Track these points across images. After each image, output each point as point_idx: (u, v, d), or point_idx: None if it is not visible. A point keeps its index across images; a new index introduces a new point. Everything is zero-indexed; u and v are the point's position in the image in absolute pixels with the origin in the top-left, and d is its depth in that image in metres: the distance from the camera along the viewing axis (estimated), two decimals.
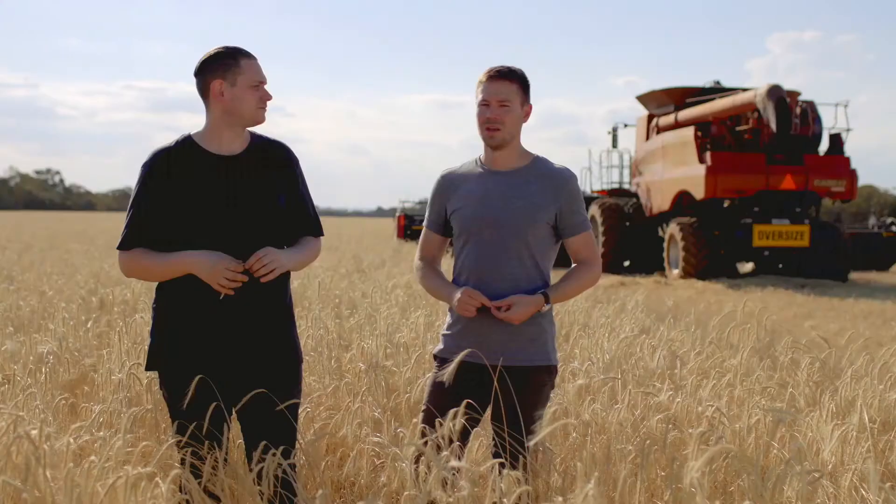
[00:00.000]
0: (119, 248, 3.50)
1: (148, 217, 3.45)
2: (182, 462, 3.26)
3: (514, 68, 3.66)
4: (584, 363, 5.47)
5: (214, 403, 3.35)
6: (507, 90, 3.62)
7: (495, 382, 3.55)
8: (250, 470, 3.20)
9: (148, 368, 3.57)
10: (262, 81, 3.49)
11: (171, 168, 3.46)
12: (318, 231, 3.72)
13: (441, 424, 3.36)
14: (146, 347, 3.67)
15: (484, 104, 3.63)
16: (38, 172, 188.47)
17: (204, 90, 3.47)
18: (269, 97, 3.51)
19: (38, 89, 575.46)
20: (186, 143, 3.51)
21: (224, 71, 3.43)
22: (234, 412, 3.49)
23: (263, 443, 3.17)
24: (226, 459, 3.31)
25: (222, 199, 3.44)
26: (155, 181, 3.45)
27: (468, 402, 3.45)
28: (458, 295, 3.60)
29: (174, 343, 3.48)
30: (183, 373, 3.38)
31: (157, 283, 3.56)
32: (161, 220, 3.44)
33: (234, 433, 3.77)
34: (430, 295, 3.97)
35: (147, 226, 3.45)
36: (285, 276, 3.60)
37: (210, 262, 3.36)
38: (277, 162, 3.59)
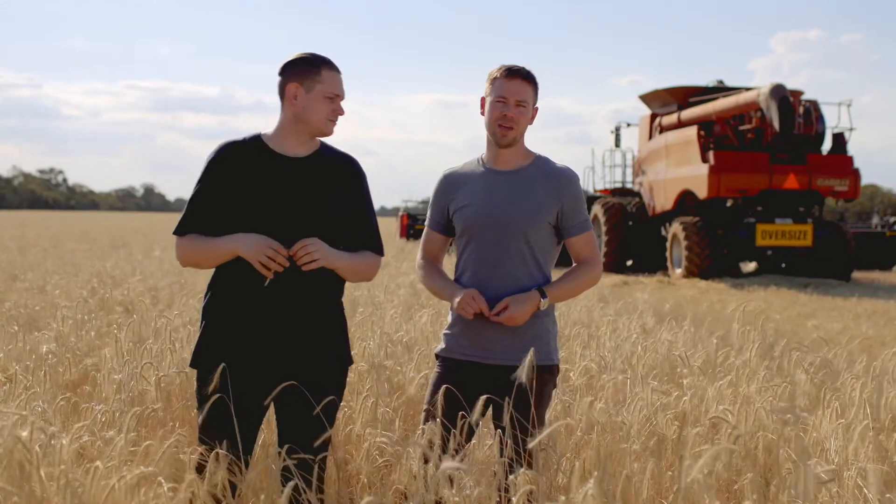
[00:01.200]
0: (175, 233, 3.54)
1: (206, 206, 3.48)
2: (198, 467, 3.24)
3: (530, 70, 3.67)
4: (589, 362, 5.45)
5: (248, 402, 3.37)
6: (525, 91, 3.63)
7: (496, 382, 3.54)
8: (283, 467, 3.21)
9: (192, 365, 3.57)
10: (339, 95, 3.49)
11: (237, 162, 3.48)
12: (377, 249, 3.70)
13: (443, 424, 3.35)
14: (159, 346, 3.65)
15: (501, 101, 3.63)
16: (41, 172, 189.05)
17: (281, 90, 3.50)
18: (341, 112, 3.52)
19: (41, 89, 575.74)
20: (255, 140, 3.54)
21: (303, 76, 3.44)
22: (269, 409, 3.51)
23: (285, 445, 3.20)
24: (242, 461, 3.29)
25: (280, 199, 3.45)
26: (219, 172, 3.48)
27: (470, 402, 3.44)
28: (460, 295, 3.60)
29: (221, 344, 3.48)
30: (226, 373, 3.37)
31: (207, 284, 3.59)
32: (218, 211, 3.47)
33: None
34: (432, 295, 3.96)
35: (204, 214, 3.48)
36: (338, 281, 3.60)
37: (253, 241, 3.37)
38: (343, 174, 3.59)
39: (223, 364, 3.34)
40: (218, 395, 3.29)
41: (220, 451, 3.08)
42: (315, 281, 3.46)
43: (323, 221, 3.50)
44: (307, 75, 3.44)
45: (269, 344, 3.45)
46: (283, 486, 3.25)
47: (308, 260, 3.39)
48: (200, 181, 3.51)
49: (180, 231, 3.52)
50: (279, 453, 3.20)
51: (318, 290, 3.49)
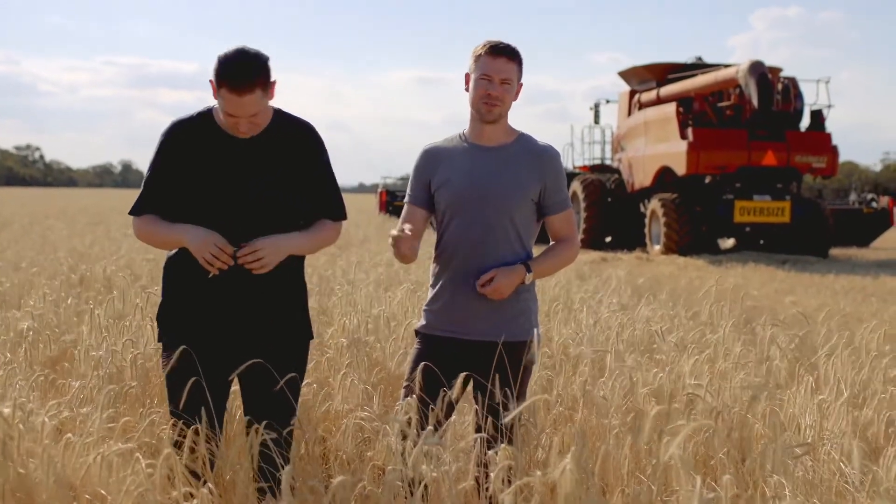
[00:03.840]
0: (130, 213, 3.53)
1: (159, 186, 3.47)
2: (177, 442, 3.24)
3: (514, 47, 3.65)
4: (567, 338, 5.48)
5: (211, 378, 3.37)
6: (509, 69, 3.61)
7: (477, 358, 3.55)
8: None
9: (159, 340, 3.59)
10: (234, 115, 3.32)
11: (187, 141, 3.45)
12: (337, 215, 3.64)
13: (422, 400, 3.37)
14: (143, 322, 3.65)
15: (486, 78, 3.61)
16: (17, 148, 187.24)
17: None
18: (243, 129, 3.37)
19: (19, 65, 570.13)
20: (206, 117, 3.49)
21: (214, 80, 3.30)
22: (233, 384, 3.51)
23: (259, 423, 3.19)
24: (212, 435, 3.30)
25: (229, 179, 3.42)
26: (170, 152, 3.46)
27: (450, 378, 3.45)
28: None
29: (183, 318, 3.49)
30: (186, 346, 3.38)
31: (166, 258, 3.59)
32: (172, 190, 3.45)
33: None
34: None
35: (158, 194, 3.47)
36: (299, 258, 3.59)
37: (200, 236, 3.34)
38: (298, 143, 3.53)
39: (183, 346, 3.35)
40: (187, 375, 3.29)
41: (197, 425, 3.10)
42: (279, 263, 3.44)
43: (277, 200, 3.46)
44: (217, 82, 3.29)
45: (230, 319, 3.45)
46: (252, 461, 3.28)
47: (257, 266, 3.36)
48: (153, 161, 3.48)
49: (136, 212, 3.51)
50: (247, 430, 3.22)
51: (281, 270, 3.46)
